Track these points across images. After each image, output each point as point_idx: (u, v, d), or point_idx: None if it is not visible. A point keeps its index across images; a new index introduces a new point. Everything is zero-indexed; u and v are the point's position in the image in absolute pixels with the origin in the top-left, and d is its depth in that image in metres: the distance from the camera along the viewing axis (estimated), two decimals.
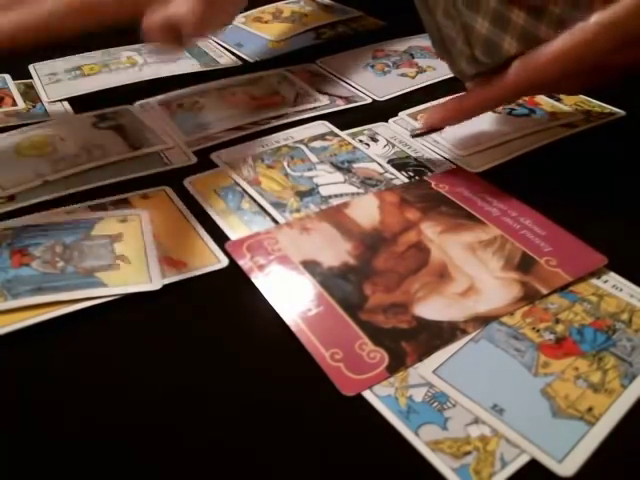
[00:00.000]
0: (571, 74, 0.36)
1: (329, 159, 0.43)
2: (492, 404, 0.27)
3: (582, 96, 0.50)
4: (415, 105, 0.49)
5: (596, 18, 0.34)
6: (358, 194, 0.40)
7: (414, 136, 0.44)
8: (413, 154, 0.44)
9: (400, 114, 0.48)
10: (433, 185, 0.40)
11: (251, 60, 0.58)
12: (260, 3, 0.69)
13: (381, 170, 0.42)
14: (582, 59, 0.35)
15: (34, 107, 0.50)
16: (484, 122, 0.46)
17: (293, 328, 0.31)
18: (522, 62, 0.36)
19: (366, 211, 0.38)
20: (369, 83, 0.53)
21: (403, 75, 0.54)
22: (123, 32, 0.61)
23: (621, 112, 0.48)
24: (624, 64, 0.36)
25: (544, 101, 0.49)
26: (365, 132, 0.46)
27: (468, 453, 0.25)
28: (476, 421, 0.26)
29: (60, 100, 0.51)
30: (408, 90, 0.52)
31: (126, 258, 0.34)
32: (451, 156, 0.43)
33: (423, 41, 0.59)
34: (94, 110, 0.48)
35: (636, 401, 0.27)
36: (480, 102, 0.39)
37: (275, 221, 0.38)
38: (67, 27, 0.40)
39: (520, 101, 0.49)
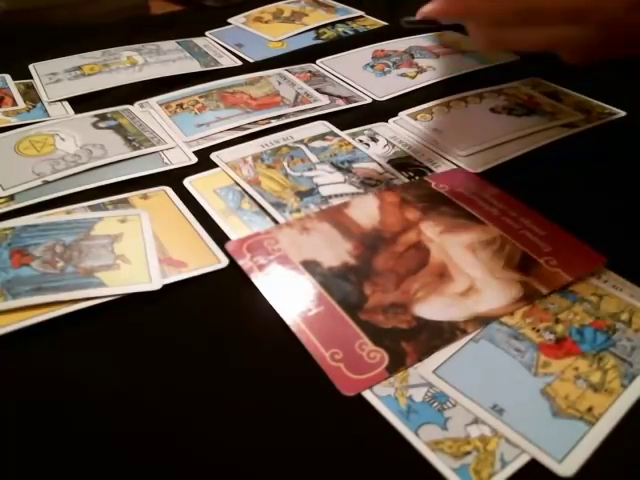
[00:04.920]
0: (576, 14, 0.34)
1: (329, 159, 0.43)
2: (492, 404, 0.27)
3: (582, 96, 0.50)
4: (415, 105, 0.49)
5: None
6: (358, 194, 0.40)
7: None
8: (413, 154, 0.44)
9: (400, 114, 0.48)
10: (433, 185, 0.40)
11: (251, 60, 0.58)
12: (260, 3, 0.69)
13: (381, 170, 0.42)
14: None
15: (34, 107, 0.50)
16: (484, 122, 0.46)
17: (293, 328, 0.31)
18: None
19: (366, 211, 0.38)
20: (369, 83, 0.53)
21: (403, 75, 0.54)
22: (122, 32, 0.62)
23: (621, 112, 0.48)
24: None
25: (544, 101, 0.49)
26: (365, 132, 0.46)
27: (468, 453, 0.25)
28: (476, 421, 0.26)
29: (60, 100, 0.51)
30: (408, 90, 0.52)
31: (126, 258, 0.34)
32: (451, 156, 0.43)
33: (423, 41, 0.60)
34: (94, 110, 0.49)
35: (636, 401, 0.27)
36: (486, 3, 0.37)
37: (275, 221, 0.38)
38: None
39: (520, 101, 0.49)
